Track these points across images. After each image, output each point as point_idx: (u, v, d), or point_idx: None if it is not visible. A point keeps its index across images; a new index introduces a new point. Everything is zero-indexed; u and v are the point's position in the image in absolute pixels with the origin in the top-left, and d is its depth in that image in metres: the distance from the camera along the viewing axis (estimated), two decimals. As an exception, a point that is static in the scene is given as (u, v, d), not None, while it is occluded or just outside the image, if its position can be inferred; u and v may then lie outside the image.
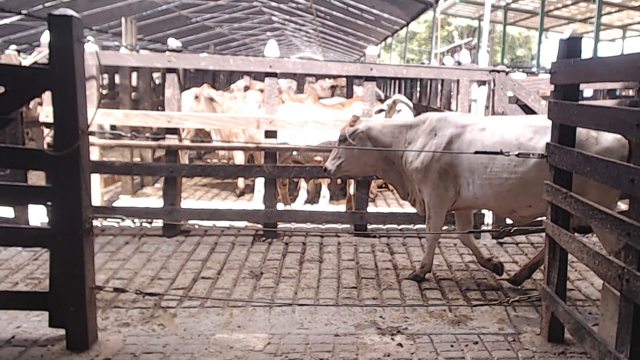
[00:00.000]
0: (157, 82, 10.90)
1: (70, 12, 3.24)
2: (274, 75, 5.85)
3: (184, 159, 7.96)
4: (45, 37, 4.98)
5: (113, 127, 7.99)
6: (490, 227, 6.08)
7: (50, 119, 3.49)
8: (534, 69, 9.86)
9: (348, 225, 6.31)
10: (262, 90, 8.09)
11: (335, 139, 5.02)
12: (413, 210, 7.29)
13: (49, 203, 3.38)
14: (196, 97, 8.26)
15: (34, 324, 3.76)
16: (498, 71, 6.07)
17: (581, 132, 4.03)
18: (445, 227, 6.36)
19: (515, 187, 4.33)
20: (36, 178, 6.83)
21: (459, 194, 4.57)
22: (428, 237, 4.83)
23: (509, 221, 5.94)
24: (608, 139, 4.14)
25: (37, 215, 5.77)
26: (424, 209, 4.79)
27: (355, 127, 4.78)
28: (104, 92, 9.81)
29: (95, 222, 5.73)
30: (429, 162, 4.55)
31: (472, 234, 4.96)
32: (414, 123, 4.82)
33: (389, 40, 22.92)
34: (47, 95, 5.61)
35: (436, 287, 4.63)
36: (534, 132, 4.35)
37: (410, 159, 4.65)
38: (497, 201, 4.46)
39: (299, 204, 7.42)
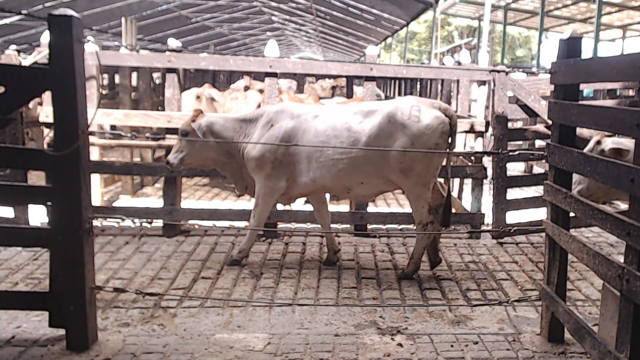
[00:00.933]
0: (157, 82, 10.90)
1: (70, 12, 3.24)
2: (274, 75, 5.86)
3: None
4: (45, 37, 4.98)
5: (113, 127, 7.99)
6: (490, 227, 6.09)
7: (50, 119, 3.49)
8: (534, 69, 9.87)
9: (348, 225, 6.32)
10: (262, 91, 8.09)
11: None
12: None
13: (49, 203, 3.38)
14: (197, 97, 8.26)
15: (34, 324, 3.76)
16: (498, 71, 6.07)
17: (404, 112, 4.56)
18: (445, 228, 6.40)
19: (347, 167, 4.65)
20: (36, 178, 6.83)
21: (295, 182, 4.82)
22: (252, 224, 4.99)
23: (509, 221, 5.96)
24: (429, 116, 4.58)
25: (37, 215, 5.77)
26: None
27: (198, 122, 4.88)
28: (104, 92, 9.81)
29: (95, 222, 5.75)
30: (264, 153, 4.75)
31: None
32: (252, 117, 5.01)
33: (389, 40, 22.94)
34: (47, 95, 5.61)
35: (436, 287, 4.63)
36: (362, 116, 4.70)
37: (247, 150, 4.83)
38: (333, 181, 4.75)
39: (299, 204, 7.42)
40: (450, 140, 4.69)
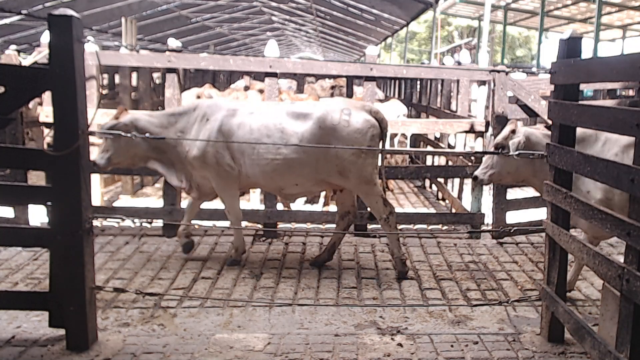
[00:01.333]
0: (157, 82, 10.90)
1: (70, 12, 3.24)
2: (274, 75, 5.86)
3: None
4: (45, 37, 4.98)
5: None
6: (490, 227, 6.09)
7: (50, 119, 3.49)
8: (534, 69, 9.88)
9: (348, 225, 6.31)
10: (262, 91, 8.09)
11: None
12: (413, 210, 7.32)
13: (49, 203, 3.38)
14: (198, 97, 8.26)
15: (34, 324, 3.76)
16: (498, 71, 6.07)
17: (334, 117, 4.63)
18: (444, 228, 6.40)
19: (280, 167, 4.69)
20: (36, 178, 6.83)
21: (240, 173, 4.82)
22: (232, 220, 5.00)
23: (509, 221, 5.96)
24: (358, 120, 4.67)
25: (37, 215, 5.77)
26: (200, 195, 5.07)
27: (119, 120, 4.80)
28: (104, 92, 9.80)
29: (95, 222, 5.74)
30: (205, 149, 4.74)
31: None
32: (183, 110, 4.95)
33: (389, 40, 22.93)
34: (47, 95, 5.61)
35: (436, 287, 4.63)
36: (295, 118, 4.73)
37: (187, 148, 4.80)
38: (265, 180, 4.80)
39: (299, 204, 7.42)
40: (381, 142, 4.81)
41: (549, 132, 4.29)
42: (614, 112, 2.91)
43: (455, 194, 7.30)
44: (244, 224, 6.11)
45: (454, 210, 6.79)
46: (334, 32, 23.28)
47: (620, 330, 2.72)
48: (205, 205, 7.00)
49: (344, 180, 4.74)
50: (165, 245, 5.57)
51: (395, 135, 8.58)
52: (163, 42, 16.45)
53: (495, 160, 4.45)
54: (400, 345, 3.59)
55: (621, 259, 2.77)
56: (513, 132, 4.38)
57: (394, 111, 8.16)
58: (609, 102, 7.45)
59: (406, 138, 8.93)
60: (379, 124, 4.76)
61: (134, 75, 8.99)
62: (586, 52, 10.11)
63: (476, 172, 4.58)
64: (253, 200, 6.87)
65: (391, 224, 4.82)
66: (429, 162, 8.99)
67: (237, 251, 5.09)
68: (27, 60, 6.21)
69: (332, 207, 7.20)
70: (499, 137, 4.45)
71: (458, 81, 7.07)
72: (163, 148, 4.88)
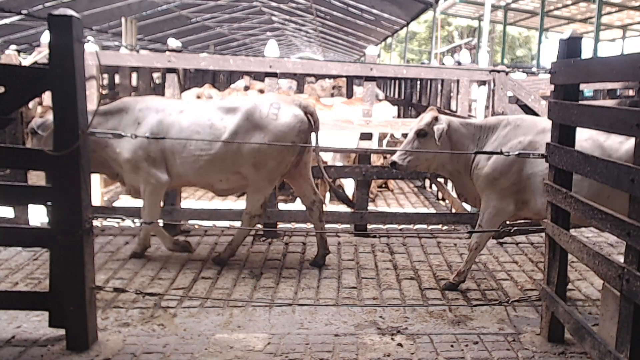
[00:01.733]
0: (157, 82, 10.90)
1: (70, 12, 3.24)
2: (274, 75, 5.85)
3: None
4: (45, 37, 4.98)
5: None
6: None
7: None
8: (534, 69, 9.88)
9: (348, 225, 6.32)
10: (262, 91, 8.10)
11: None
12: (413, 210, 7.32)
13: (49, 203, 3.38)
14: (198, 97, 8.27)
15: (34, 324, 3.76)
16: (498, 71, 6.07)
17: (262, 110, 4.68)
18: (444, 228, 6.40)
19: (207, 164, 4.73)
20: (36, 178, 6.82)
21: (170, 176, 4.84)
22: (145, 224, 4.95)
23: (509, 221, 5.95)
24: (287, 114, 4.72)
25: (37, 215, 5.77)
26: (134, 193, 5.09)
27: (45, 118, 4.82)
28: (104, 92, 9.81)
29: (95, 222, 5.74)
30: (136, 152, 4.74)
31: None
32: (114, 110, 4.88)
33: (389, 40, 22.94)
34: (47, 95, 5.61)
35: (436, 287, 4.63)
36: (224, 113, 4.76)
37: (118, 150, 4.78)
38: (196, 177, 4.83)
39: (299, 204, 7.42)
40: (311, 137, 4.87)
41: (465, 120, 4.67)
42: (614, 112, 2.91)
43: (455, 194, 7.30)
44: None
45: (454, 210, 6.78)
46: (334, 32, 23.29)
47: (620, 330, 2.72)
48: (205, 205, 7.00)
49: (253, 172, 4.76)
50: (165, 245, 5.56)
51: (385, 136, 8.57)
52: (163, 42, 16.47)
53: (415, 147, 4.45)
54: (400, 345, 3.59)
55: (621, 259, 2.77)
56: (436, 119, 4.43)
57: (383, 113, 8.17)
58: (609, 102, 7.45)
59: (394, 138, 8.91)
60: (309, 119, 4.80)
61: (134, 75, 9.00)
62: (586, 52, 10.12)
63: (394, 158, 4.49)
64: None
65: (252, 223, 4.94)
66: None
67: (138, 247, 5.16)
68: (27, 60, 6.21)
69: (331, 207, 7.20)
70: (422, 124, 4.45)
71: (458, 81, 7.06)
72: (93, 147, 4.68)
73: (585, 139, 4.09)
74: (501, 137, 4.40)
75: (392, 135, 8.74)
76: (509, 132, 4.38)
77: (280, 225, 6.09)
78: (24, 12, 12.60)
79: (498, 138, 4.41)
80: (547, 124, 4.06)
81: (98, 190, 6.40)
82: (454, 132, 4.47)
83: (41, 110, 4.89)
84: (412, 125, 4.63)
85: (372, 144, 6.81)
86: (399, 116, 9.56)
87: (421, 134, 4.44)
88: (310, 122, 4.83)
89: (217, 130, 4.70)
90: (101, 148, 4.83)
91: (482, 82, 6.38)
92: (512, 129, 4.38)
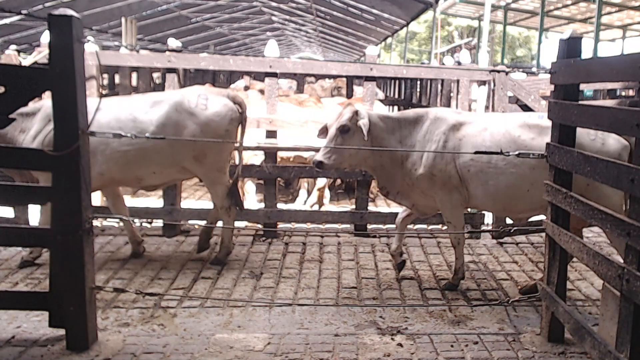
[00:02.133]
0: (157, 82, 10.90)
1: (70, 12, 3.24)
2: (274, 75, 5.85)
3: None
4: (45, 37, 4.97)
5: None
6: (490, 227, 6.08)
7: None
8: (534, 69, 9.88)
9: (348, 225, 6.32)
10: (262, 91, 8.09)
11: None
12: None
13: (49, 203, 3.38)
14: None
15: (34, 324, 3.76)
16: (498, 71, 6.07)
17: (190, 101, 4.68)
18: (444, 227, 6.39)
19: (136, 158, 4.63)
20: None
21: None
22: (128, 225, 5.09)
23: (509, 221, 5.95)
24: (217, 104, 4.73)
25: (37, 215, 5.76)
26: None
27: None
28: (104, 92, 9.81)
29: (95, 222, 5.74)
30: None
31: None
32: (29, 110, 4.73)
33: (389, 40, 22.94)
34: (47, 95, 5.60)
35: (436, 287, 4.63)
36: (149, 106, 4.69)
37: (33, 145, 4.61)
38: (122, 173, 4.73)
39: (299, 204, 7.42)
40: (240, 127, 4.88)
41: (382, 114, 4.67)
42: (614, 112, 2.91)
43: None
44: (243, 224, 6.12)
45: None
46: (334, 32, 23.29)
47: (620, 330, 2.72)
48: (205, 205, 7.01)
49: (197, 166, 4.75)
50: (165, 245, 5.57)
51: None
52: (163, 42, 16.45)
53: (339, 143, 4.36)
54: (400, 345, 3.59)
55: (621, 259, 2.77)
56: (356, 113, 4.38)
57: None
58: (609, 102, 7.45)
59: None
60: (237, 108, 4.83)
61: (134, 75, 8.99)
62: (586, 52, 10.11)
63: (319, 158, 4.34)
64: (251, 201, 6.88)
65: (231, 214, 4.94)
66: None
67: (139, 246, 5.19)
68: (27, 60, 6.21)
69: (330, 207, 7.20)
70: (343, 119, 4.36)
71: (458, 81, 7.05)
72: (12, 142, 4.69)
73: (502, 133, 4.28)
74: (430, 131, 4.44)
75: None
76: (429, 125, 4.44)
77: (280, 225, 6.08)
78: (24, 12, 12.59)
79: (428, 132, 4.44)
80: (460, 117, 4.36)
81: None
82: (374, 126, 4.40)
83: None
84: (330, 122, 4.51)
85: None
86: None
87: (344, 130, 4.35)
88: (241, 112, 4.85)
89: (141, 123, 4.61)
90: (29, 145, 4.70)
91: (482, 82, 6.38)
92: (432, 122, 4.44)
